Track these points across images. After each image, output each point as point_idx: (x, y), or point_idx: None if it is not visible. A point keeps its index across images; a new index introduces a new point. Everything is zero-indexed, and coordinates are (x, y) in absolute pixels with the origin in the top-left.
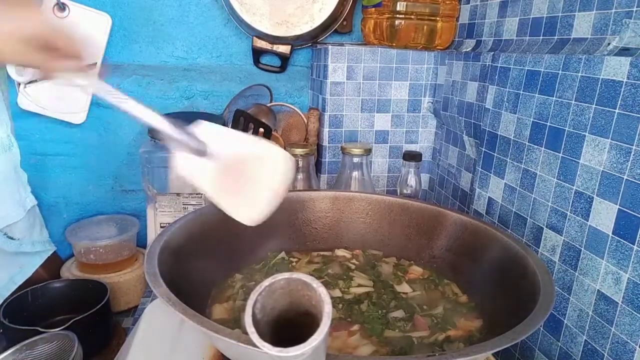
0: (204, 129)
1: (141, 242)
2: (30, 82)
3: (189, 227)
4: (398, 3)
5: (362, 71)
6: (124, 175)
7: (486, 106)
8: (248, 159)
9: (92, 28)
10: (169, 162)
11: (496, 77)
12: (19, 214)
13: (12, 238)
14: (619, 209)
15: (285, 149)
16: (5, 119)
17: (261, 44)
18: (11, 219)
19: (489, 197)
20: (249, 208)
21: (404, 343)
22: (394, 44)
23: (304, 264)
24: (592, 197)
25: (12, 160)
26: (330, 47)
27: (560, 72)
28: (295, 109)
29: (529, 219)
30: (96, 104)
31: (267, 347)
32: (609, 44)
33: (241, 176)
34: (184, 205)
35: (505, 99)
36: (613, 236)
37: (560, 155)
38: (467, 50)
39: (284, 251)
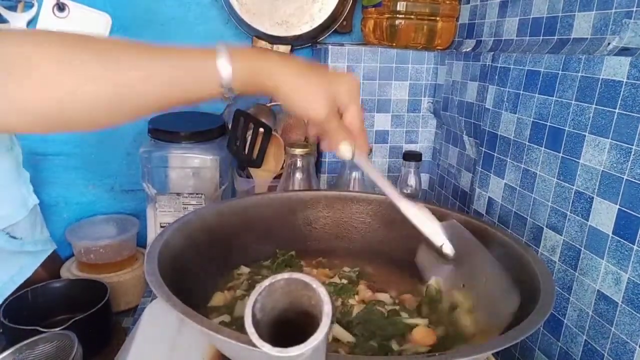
0: (451, 229)
1: (141, 242)
2: None
3: (189, 227)
4: (398, 3)
5: (362, 71)
6: (124, 175)
7: (486, 106)
8: (486, 274)
9: (92, 28)
10: (169, 162)
11: (496, 77)
12: (22, 213)
13: (14, 237)
14: (619, 209)
15: (285, 148)
16: None
17: (261, 44)
18: (14, 218)
19: (489, 197)
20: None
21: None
22: (394, 44)
23: None
24: (592, 197)
25: (14, 159)
26: (330, 47)
27: (560, 72)
28: None
29: (529, 218)
30: None
31: (266, 347)
32: (608, 44)
33: (474, 285)
34: (184, 205)
35: (505, 99)
36: (613, 236)
37: (560, 155)
38: (467, 50)
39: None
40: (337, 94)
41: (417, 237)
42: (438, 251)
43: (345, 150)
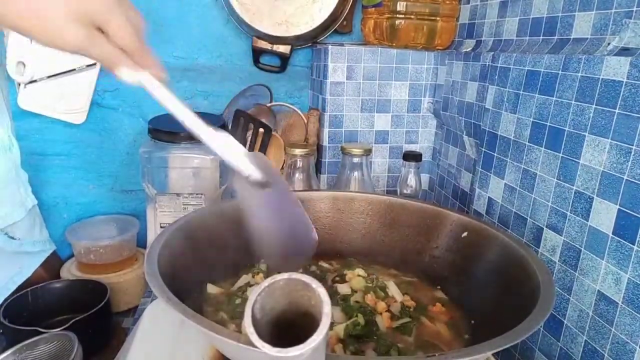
0: (257, 159)
1: (141, 242)
2: (31, 82)
3: (189, 227)
4: (398, 3)
5: (362, 71)
6: (124, 175)
7: (486, 106)
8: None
9: None
10: (169, 162)
11: (496, 77)
12: (20, 213)
13: (13, 238)
14: (619, 209)
15: (285, 148)
16: (5, 119)
17: (261, 44)
18: (12, 218)
19: (489, 197)
20: (277, 257)
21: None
22: (394, 44)
23: None
24: (592, 197)
25: (12, 160)
26: (330, 47)
27: (560, 72)
28: (295, 109)
29: (529, 219)
30: (96, 104)
31: (266, 348)
32: (608, 44)
33: (283, 220)
34: (184, 206)
35: (505, 99)
36: (613, 236)
37: (560, 155)
38: (467, 50)
39: None
40: (87, 10)
41: (418, 238)
42: (247, 179)
43: (126, 76)
